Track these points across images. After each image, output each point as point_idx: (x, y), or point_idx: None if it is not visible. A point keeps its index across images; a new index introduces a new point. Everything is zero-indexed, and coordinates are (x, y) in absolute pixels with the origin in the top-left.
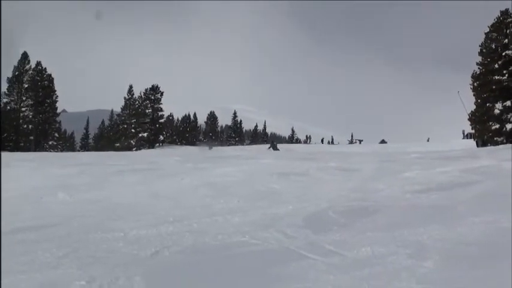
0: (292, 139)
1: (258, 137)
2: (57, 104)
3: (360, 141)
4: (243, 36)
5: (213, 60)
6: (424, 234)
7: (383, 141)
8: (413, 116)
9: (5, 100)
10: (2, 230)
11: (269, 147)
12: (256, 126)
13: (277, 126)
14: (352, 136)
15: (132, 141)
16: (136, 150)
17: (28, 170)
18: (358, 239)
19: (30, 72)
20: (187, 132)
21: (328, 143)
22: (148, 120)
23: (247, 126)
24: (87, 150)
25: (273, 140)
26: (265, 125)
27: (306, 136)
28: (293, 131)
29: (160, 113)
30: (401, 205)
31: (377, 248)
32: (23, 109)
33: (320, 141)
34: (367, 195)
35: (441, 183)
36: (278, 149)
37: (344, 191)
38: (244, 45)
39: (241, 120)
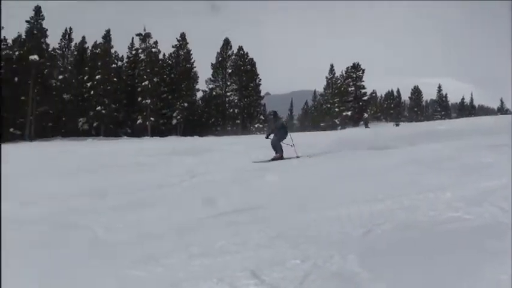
0: (501, 110)
1: (465, 110)
2: (261, 87)
3: None
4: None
5: (404, 35)
6: None
7: None
8: None
9: (210, 86)
10: (213, 212)
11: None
12: (463, 99)
13: (485, 98)
14: None
15: (336, 120)
16: (340, 129)
17: (233, 153)
18: None
19: (232, 57)
20: (391, 108)
21: None
22: (351, 98)
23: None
24: (292, 131)
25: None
26: (472, 98)
27: None
28: (502, 102)
29: (363, 91)
30: None
31: None
32: (228, 94)
33: None
34: None
35: None
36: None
37: None
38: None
39: (446, 94)
